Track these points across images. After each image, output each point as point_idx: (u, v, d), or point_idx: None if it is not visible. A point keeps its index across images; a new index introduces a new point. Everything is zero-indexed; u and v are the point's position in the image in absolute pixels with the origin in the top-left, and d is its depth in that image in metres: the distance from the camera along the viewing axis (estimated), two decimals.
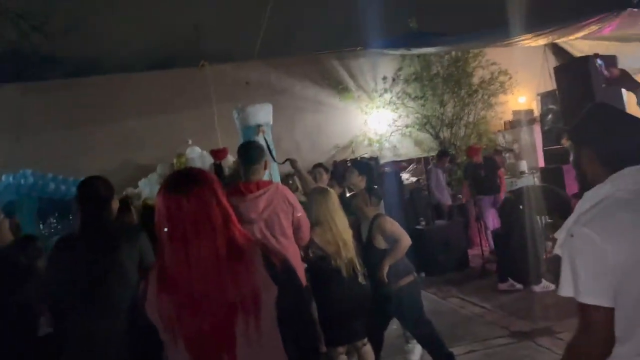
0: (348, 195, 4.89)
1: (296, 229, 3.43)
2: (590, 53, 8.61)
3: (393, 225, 4.01)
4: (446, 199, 8.76)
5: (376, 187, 4.44)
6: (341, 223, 3.65)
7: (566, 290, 1.50)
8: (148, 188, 8.45)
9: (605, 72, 2.53)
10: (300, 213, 3.46)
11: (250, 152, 3.49)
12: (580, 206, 1.58)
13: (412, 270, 4.07)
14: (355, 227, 4.13)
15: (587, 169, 1.64)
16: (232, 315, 1.55)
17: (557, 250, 1.54)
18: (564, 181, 7.44)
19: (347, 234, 3.67)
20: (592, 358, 1.47)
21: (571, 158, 1.78)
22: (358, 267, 3.59)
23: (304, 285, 2.67)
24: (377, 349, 3.99)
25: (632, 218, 1.47)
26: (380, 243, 3.98)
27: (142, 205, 5.01)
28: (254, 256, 1.63)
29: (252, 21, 7.23)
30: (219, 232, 1.59)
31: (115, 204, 2.81)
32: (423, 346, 4.22)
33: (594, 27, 6.10)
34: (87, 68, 8.15)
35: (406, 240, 3.95)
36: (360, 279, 3.59)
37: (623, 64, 6.76)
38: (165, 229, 1.57)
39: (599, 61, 2.73)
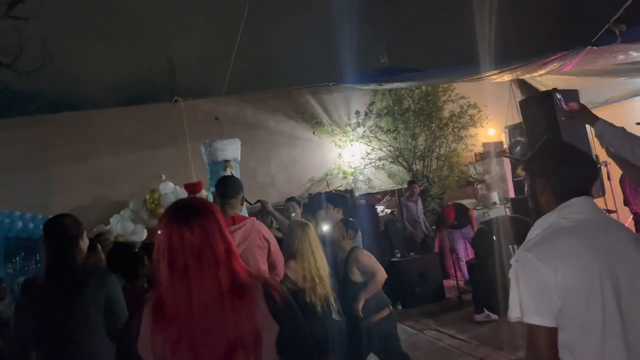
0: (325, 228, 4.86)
1: (271, 264, 3.38)
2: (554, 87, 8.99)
3: (369, 259, 4.02)
4: (418, 231, 8.84)
5: (352, 219, 4.45)
6: (320, 258, 3.60)
7: (514, 312, 1.57)
8: (120, 224, 8.30)
9: (565, 106, 2.66)
10: (275, 249, 3.42)
11: (229, 187, 3.49)
12: (530, 234, 1.68)
13: (388, 303, 4.07)
14: (331, 260, 4.12)
15: (540, 199, 1.74)
16: (231, 355, 1.47)
17: (510, 275, 1.61)
18: None
19: (325, 269, 3.60)
20: None
21: (526, 188, 1.87)
22: (333, 303, 3.53)
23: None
24: None
25: (573, 243, 1.56)
26: (357, 276, 3.98)
27: (112, 244, 4.88)
28: (256, 292, 1.56)
29: (226, 56, 7.31)
30: (222, 265, 1.52)
31: (84, 243, 2.72)
32: None
33: (555, 65, 6.38)
34: (59, 104, 8.06)
35: (382, 275, 3.95)
36: (335, 315, 3.52)
37: (585, 98, 7.07)
38: (166, 261, 1.50)
39: (558, 96, 2.86)
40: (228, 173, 5.54)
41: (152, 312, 1.52)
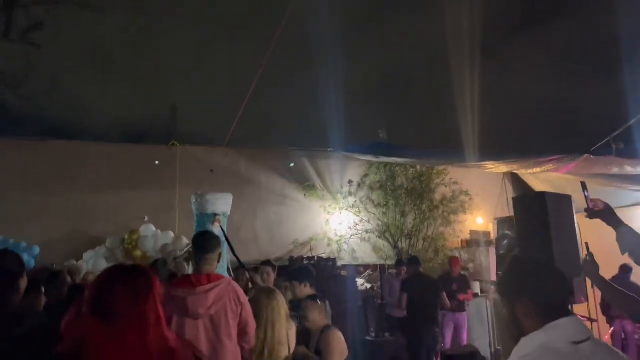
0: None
1: (242, 330, 3.22)
2: (546, 189, 9.13)
3: (334, 347, 3.75)
4: (400, 310, 8.61)
5: (317, 294, 4.26)
6: (279, 331, 3.35)
7: None
8: (92, 261, 8.03)
9: (590, 204, 2.65)
10: (248, 314, 3.25)
11: (206, 241, 3.39)
12: (517, 352, 1.62)
13: None
14: (305, 336, 3.93)
15: (523, 322, 1.68)
16: None
17: None
18: None
19: (282, 344, 3.34)
20: None
21: (503, 311, 1.82)
22: None
23: None
24: None
25: None
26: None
27: (71, 285, 4.67)
28: (187, 357, 1.62)
29: (229, 109, 7.38)
30: (151, 327, 1.55)
31: (23, 283, 2.58)
32: None
33: (551, 166, 6.51)
34: (54, 131, 7.99)
35: None
36: None
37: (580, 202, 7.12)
38: (100, 314, 1.54)
39: (586, 193, 2.84)
40: (216, 227, 5.44)
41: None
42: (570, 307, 1.76)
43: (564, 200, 5.12)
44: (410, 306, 7.18)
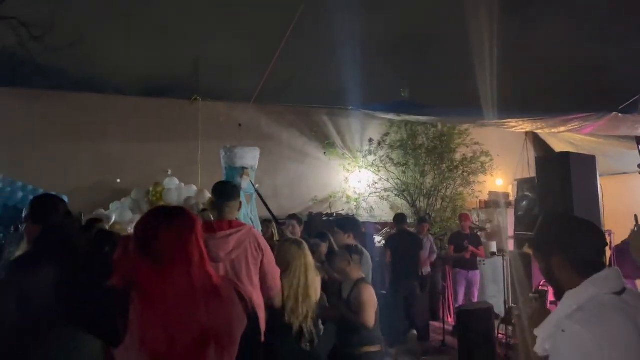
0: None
1: (263, 277, 3.24)
2: (567, 149, 9.02)
3: (366, 301, 3.86)
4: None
5: (356, 244, 4.34)
6: (312, 280, 3.45)
7: None
8: (118, 211, 8.27)
9: None
10: (270, 261, 3.28)
11: (226, 190, 3.42)
12: (565, 304, 1.64)
13: (381, 342, 3.96)
14: (336, 287, 4.04)
15: (560, 276, 1.72)
16: (205, 345, 1.58)
17: (537, 348, 1.57)
18: (531, 267, 7.55)
19: (315, 292, 3.44)
20: None
21: (539, 267, 1.84)
22: (313, 329, 3.37)
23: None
24: None
25: (626, 325, 1.54)
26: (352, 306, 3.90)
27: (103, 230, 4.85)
28: (230, 291, 1.71)
29: (251, 65, 7.37)
30: (195, 265, 1.65)
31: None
32: None
33: (576, 124, 6.40)
34: (80, 84, 8.11)
35: (365, 320, 3.80)
36: (304, 344, 3.34)
37: (602, 166, 7.04)
38: (148, 254, 1.62)
39: None
40: (245, 180, 5.52)
41: (134, 300, 1.60)
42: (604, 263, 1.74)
43: (588, 161, 5.09)
44: (392, 261, 7.35)
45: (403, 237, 7.56)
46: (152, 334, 1.55)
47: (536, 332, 1.60)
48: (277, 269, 3.35)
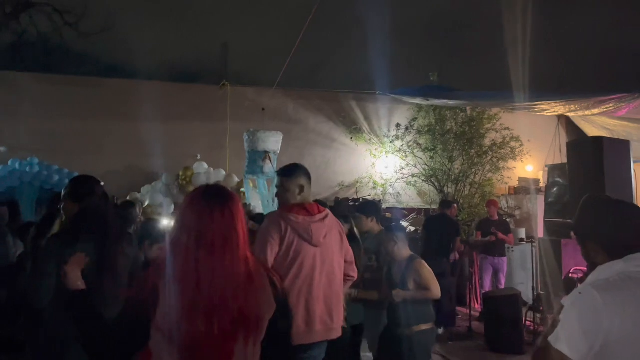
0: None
1: (348, 260, 3.17)
2: (601, 134, 8.78)
3: (429, 274, 3.93)
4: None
5: (394, 224, 4.35)
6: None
7: (556, 340, 1.56)
8: (149, 195, 8.47)
9: None
10: (347, 243, 3.21)
11: (307, 171, 3.23)
12: (593, 275, 1.67)
13: (434, 319, 4.02)
14: (383, 269, 4.09)
15: (596, 260, 1.72)
16: (236, 331, 1.60)
17: (564, 302, 1.59)
18: (561, 254, 7.43)
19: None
20: None
21: (581, 250, 1.85)
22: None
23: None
24: None
25: None
26: (412, 285, 3.91)
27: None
28: (263, 278, 1.72)
29: (279, 49, 7.38)
30: (241, 249, 1.66)
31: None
32: None
33: (611, 106, 6.21)
34: (112, 70, 8.29)
35: (436, 292, 3.88)
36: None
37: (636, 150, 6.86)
38: (194, 237, 1.62)
39: None
40: (267, 164, 5.57)
41: (173, 281, 1.60)
42: None
43: (622, 146, 4.96)
44: (427, 242, 7.34)
45: (442, 221, 7.54)
46: (192, 317, 1.56)
47: (563, 301, 1.62)
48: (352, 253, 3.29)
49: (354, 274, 3.22)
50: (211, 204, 1.68)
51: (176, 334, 1.56)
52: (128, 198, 7.69)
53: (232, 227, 1.66)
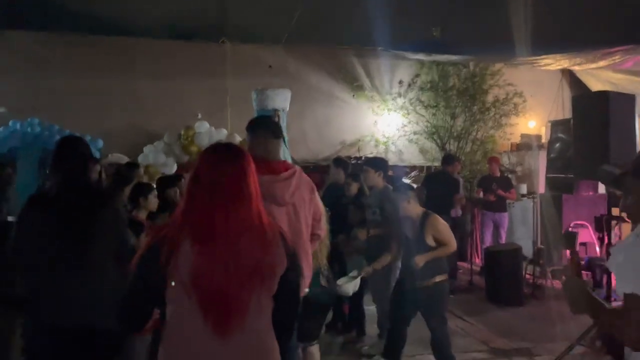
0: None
1: (316, 218, 3.18)
2: (606, 88, 8.69)
3: (445, 228, 4.04)
4: None
5: (406, 182, 4.40)
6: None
7: (625, 287, 1.54)
8: (152, 155, 8.48)
9: None
10: (319, 202, 3.23)
11: (276, 127, 3.19)
12: None
13: (447, 270, 4.14)
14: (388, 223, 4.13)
15: None
16: (253, 283, 1.65)
17: (609, 263, 1.62)
18: (562, 209, 7.52)
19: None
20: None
21: (625, 202, 1.75)
22: (323, 267, 3.47)
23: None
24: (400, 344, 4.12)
25: None
26: (431, 241, 3.98)
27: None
28: (276, 232, 1.77)
29: (279, 6, 7.22)
30: (254, 203, 1.72)
31: (96, 168, 2.81)
32: (435, 341, 4.11)
33: (618, 58, 6.10)
34: (109, 27, 8.11)
35: (453, 246, 4.01)
36: (322, 281, 3.47)
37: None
38: (208, 191, 1.67)
39: None
40: None
41: (189, 235, 1.64)
42: None
43: (627, 100, 4.91)
44: (426, 199, 7.39)
45: (441, 177, 7.56)
46: (210, 270, 1.60)
47: (612, 250, 1.63)
48: (323, 210, 3.31)
49: (321, 232, 3.23)
50: (223, 159, 1.74)
51: (194, 285, 1.60)
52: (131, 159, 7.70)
53: (244, 181, 1.71)
